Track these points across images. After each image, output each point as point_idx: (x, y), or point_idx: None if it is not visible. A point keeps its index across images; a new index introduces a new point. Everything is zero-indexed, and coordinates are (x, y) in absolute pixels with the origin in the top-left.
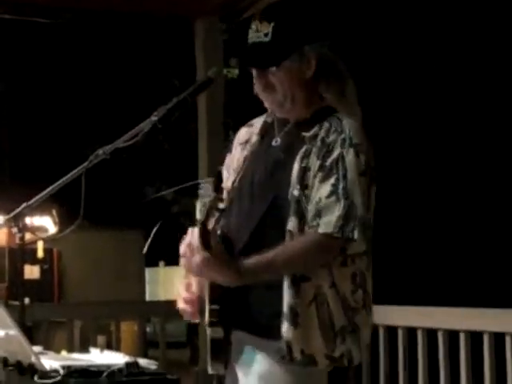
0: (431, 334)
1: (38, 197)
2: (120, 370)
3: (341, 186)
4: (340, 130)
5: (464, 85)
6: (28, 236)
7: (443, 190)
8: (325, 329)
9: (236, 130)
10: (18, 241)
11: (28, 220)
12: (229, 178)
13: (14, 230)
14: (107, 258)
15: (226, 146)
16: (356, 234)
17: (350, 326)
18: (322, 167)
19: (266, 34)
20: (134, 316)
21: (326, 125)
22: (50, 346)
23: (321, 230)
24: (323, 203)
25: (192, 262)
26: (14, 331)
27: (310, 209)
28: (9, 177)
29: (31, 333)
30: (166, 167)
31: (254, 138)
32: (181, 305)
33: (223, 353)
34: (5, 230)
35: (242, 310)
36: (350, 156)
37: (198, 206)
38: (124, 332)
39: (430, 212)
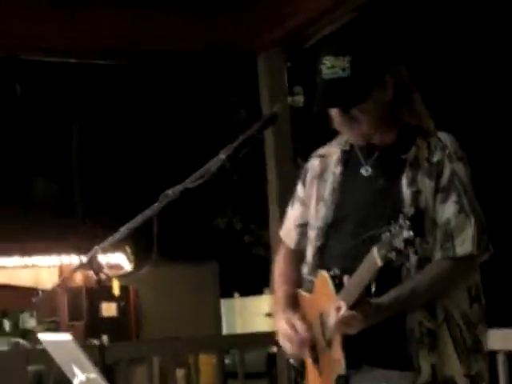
0: None
1: (110, 238)
2: None
3: (465, 201)
4: (442, 146)
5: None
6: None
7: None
8: (459, 348)
9: (304, 155)
10: (94, 280)
11: (103, 258)
12: (308, 211)
13: (90, 272)
14: (183, 292)
15: (294, 174)
16: (490, 247)
17: (476, 343)
18: (438, 188)
19: (343, 69)
20: (212, 350)
21: (423, 144)
22: (130, 382)
23: (459, 253)
24: (453, 223)
25: (351, 326)
26: (94, 374)
27: (439, 232)
28: (82, 215)
29: (112, 372)
30: (236, 197)
31: (336, 170)
32: (289, 346)
33: None
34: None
35: (369, 347)
36: (461, 170)
37: (376, 251)
38: (203, 364)
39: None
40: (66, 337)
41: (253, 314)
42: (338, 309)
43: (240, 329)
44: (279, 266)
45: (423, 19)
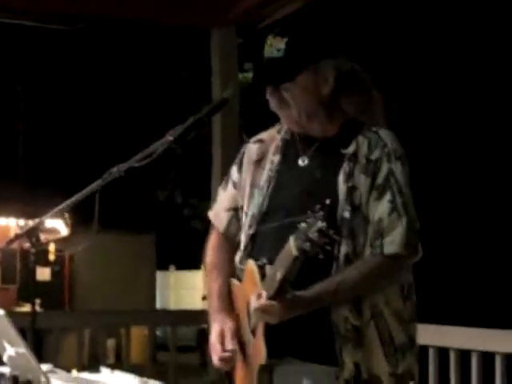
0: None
1: (51, 212)
2: None
3: (399, 201)
4: (382, 145)
5: (491, 86)
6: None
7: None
8: (386, 347)
9: (249, 131)
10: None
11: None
12: (241, 196)
13: (27, 244)
14: (119, 261)
15: (239, 150)
16: (420, 248)
17: (409, 341)
18: (373, 185)
19: (278, 50)
20: (144, 323)
21: (363, 140)
22: (59, 348)
23: (387, 251)
24: (385, 222)
25: (269, 314)
26: (23, 349)
27: (370, 230)
28: (23, 179)
29: (42, 339)
30: (178, 171)
31: (275, 158)
32: (215, 359)
33: None
34: (16, 230)
35: (292, 340)
36: (398, 169)
37: (293, 241)
38: (133, 336)
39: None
40: None
41: (187, 288)
42: (259, 296)
43: (173, 302)
44: (211, 254)
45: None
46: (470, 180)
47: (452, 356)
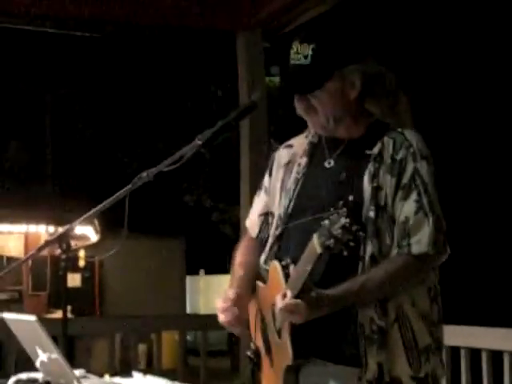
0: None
1: (81, 218)
2: None
3: (425, 200)
4: (408, 145)
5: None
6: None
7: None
8: (409, 349)
9: (277, 136)
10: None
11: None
12: (272, 201)
13: (58, 250)
14: (148, 266)
15: (267, 155)
16: (448, 248)
17: (434, 344)
18: (399, 185)
19: (305, 57)
20: (175, 328)
21: (388, 141)
22: (91, 354)
23: (414, 251)
24: (412, 221)
25: (294, 313)
26: (55, 354)
27: (397, 229)
28: (52, 185)
29: (72, 342)
30: (207, 176)
31: (302, 160)
32: (221, 316)
33: None
34: (46, 237)
35: (318, 340)
36: (424, 169)
37: (316, 239)
38: (164, 340)
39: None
40: (29, 317)
41: (217, 292)
42: (284, 296)
43: (203, 306)
44: (240, 255)
45: (411, 19)
46: (498, 180)
47: (484, 357)
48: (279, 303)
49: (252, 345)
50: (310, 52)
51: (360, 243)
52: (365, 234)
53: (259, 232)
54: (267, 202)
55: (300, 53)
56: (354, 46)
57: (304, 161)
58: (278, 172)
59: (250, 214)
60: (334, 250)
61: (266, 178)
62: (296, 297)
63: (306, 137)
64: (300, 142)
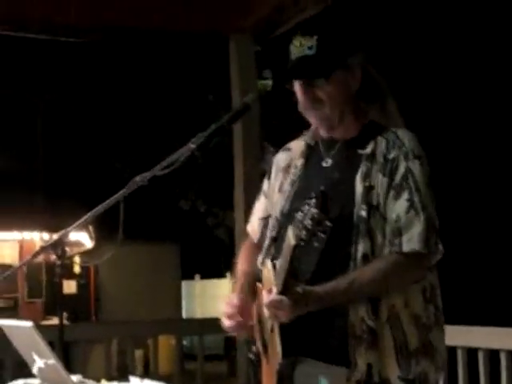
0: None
1: (76, 223)
2: None
3: (416, 199)
4: (400, 144)
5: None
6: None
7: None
8: (399, 350)
9: (270, 139)
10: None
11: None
12: (271, 204)
13: (53, 257)
14: (144, 272)
15: (260, 158)
16: (440, 246)
17: (425, 346)
18: (391, 185)
19: (310, 48)
20: (171, 333)
21: (381, 140)
22: (87, 360)
23: (405, 249)
24: (403, 220)
25: (280, 309)
26: (52, 360)
27: (389, 228)
28: (45, 191)
29: (68, 349)
30: (201, 180)
31: (298, 162)
32: (226, 322)
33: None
34: (41, 244)
35: (310, 338)
36: (416, 168)
37: (291, 231)
38: (161, 346)
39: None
40: (26, 323)
41: (213, 296)
42: (269, 292)
43: (199, 311)
44: (242, 259)
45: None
46: (494, 178)
47: (481, 356)
48: (265, 299)
49: (254, 347)
50: (315, 42)
51: (328, 233)
52: (332, 225)
53: (260, 236)
54: (267, 205)
55: (304, 45)
56: (356, 35)
57: (300, 162)
58: (277, 175)
59: (251, 218)
60: (306, 240)
61: (266, 182)
62: (281, 292)
63: (304, 140)
64: (298, 145)
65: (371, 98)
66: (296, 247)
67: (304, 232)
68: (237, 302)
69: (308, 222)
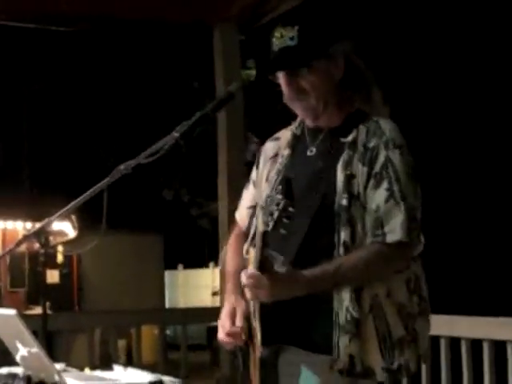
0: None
1: (59, 212)
2: None
3: (396, 188)
4: (380, 133)
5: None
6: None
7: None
8: (383, 340)
9: (253, 129)
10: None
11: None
12: (259, 193)
13: (36, 245)
14: (127, 262)
15: (244, 151)
16: (422, 237)
17: (409, 336)
18: (371, 174)
19: (291, 38)
20: (155, 322)
21: (363, 129)
22: (70, 349)
23: (389, 239)
24: (383, 210)
25: (259, 287)
26: (36, 349)
27: (369, 218)
28: (29, 181)
29: (52, 338)
30: (184, 170)
31: (285, 151)
32: (221, 336)
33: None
34: (24, 233)
35: (293, 327)
36: (396, 158)
37: (260, 218)
38: (144, 336)
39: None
40: (9, 312)
41: (196, 286)
42: (246, 273)
43: (182, 301)
44: (231, 244)
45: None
46: (478, 170)
47: (463, 345)
48: (243, 280)
49: (243, 335)
50: (296, 33)
51: (292, 219)
52: (294, 210)
53: (248, 225)
54: (255, 194)
55: (285, 36)
56: (337, 25)
57: (286, 152)
58: (265, 165)
59: (239, 206)
60: (271, 227)
61: (254, 170)
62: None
63: (291, 129)
64: (286, 135)
65: (356, 87)
66: (265, 233)
67: (270, 218)
68: (226, 312)
69: (273, 208)
